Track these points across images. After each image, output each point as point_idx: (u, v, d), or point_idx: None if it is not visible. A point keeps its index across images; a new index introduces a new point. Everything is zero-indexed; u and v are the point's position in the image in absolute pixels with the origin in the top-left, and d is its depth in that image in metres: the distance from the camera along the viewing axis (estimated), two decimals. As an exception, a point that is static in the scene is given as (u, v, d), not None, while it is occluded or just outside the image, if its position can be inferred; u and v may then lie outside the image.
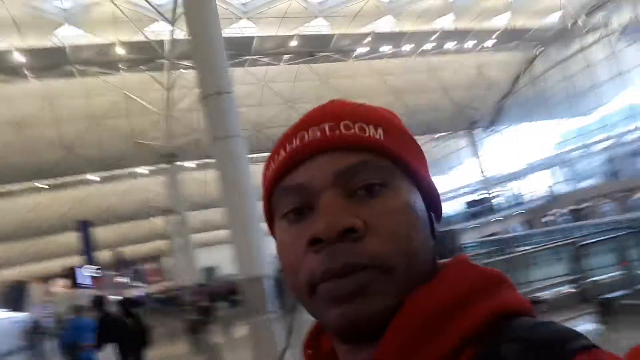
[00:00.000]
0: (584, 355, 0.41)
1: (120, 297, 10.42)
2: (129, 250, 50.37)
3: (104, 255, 43.40)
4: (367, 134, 0.50)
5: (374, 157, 0.49)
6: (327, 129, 0.50)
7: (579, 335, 0.43)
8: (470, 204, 39.14)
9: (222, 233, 24.22)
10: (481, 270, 0.49)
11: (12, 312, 24.07)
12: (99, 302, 6.53)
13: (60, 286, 50.32)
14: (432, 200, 0.54)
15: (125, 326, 6.41)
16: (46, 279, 52.90)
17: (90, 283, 40.56)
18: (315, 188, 0.48)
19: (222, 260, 46.37)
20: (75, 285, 37.20)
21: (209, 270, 52.07)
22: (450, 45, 32.16)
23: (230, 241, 16.13)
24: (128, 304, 7.28)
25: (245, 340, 13.21)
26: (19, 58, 23.57)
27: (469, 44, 32.37)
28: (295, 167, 0.50)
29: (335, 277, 0.45)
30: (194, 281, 34.61)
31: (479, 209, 37.04)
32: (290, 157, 0.50)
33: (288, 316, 14.02)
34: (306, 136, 0.50)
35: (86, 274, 38.16)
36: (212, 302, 12.99)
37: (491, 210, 36.51)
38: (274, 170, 0.51)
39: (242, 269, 15.78)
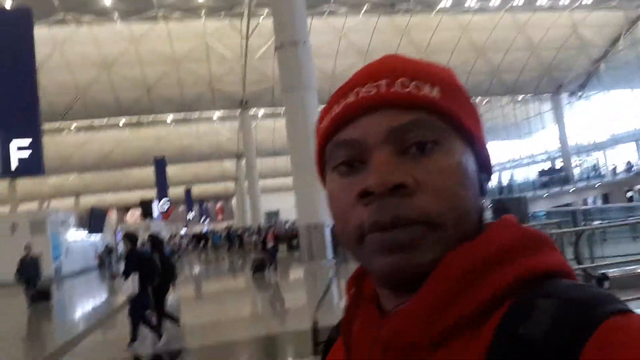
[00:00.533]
0: (618, 317, 0.41)
1: (159, 234, 11.27)
2: (199, 189, 52.90)
3: (176, 191, 45.84)
4: (422, 92, 0.50)
5: (428, 115, 0.49)
6: (383, 85, 0.50)
7: (616, 299, 0.43)
8: (544, 172, 37.45)
9: (287, 180, 24.77)
10: (524, 230, 0.50)
11: (90, 235, 26.17)
12: (131, 238, 7.18)
13: (134, 216, 54.11)
14: (484, 160, 0.54)
15: (150, 261, 7.08)
16: (123, 208, 56.99)
17: (161, 216, 43.21)
18: (369, 144, 0.49)
19: (285, 207, 47.79)
20: (147, 216, 39.79)
21: (272, 215, 53.94)
22: (542, 1, 29.94)
23: (294, 188, 16.53)
24: (156, 241, 7.83)
25: (301, 282, 13.72)
26: (108, 1, 24.65)
27: (564, 0, 30.00)
28: (349, 122, 0.51)
29: (384, 229, 0.47)
30: (258, 223, 35.90)
31: (553, 178, 35.41)
32: (344, 112, 0.51)
33: (341, 264, 14.38)
34: (361, 92, 0.51)
35: (158, 207, 40.60)
36: (276, 244, 13.51)
37: (567, 180, 34.79)
38: (328, 123, 0.52)
39: (303, 216, 16.22)
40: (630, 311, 0.42)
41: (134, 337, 6.61)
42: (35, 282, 12.53)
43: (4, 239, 21.30)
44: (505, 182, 39.44)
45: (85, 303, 14.38)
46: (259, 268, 14.03)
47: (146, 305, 6.80)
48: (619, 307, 0.42)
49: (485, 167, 0.55)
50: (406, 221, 0.46)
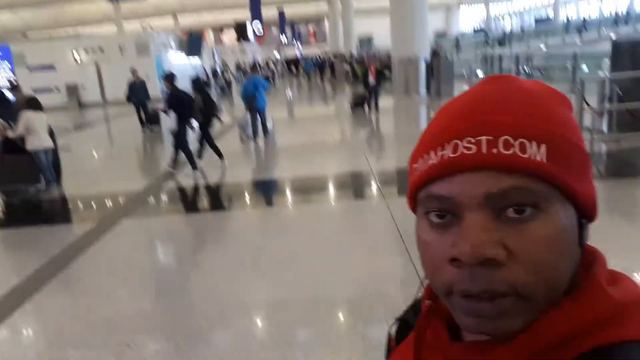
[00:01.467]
0: None
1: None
2: (292, 10, 51.38)
3: (269, 13, 44.91)
4: (527, 154, 0.46)
5: (532, 181, 0.46)
6: (484, 143, 0.47)
7: None
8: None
9: (383, 3, 23.16)
10: (616, 298, 0.48)
11: (190, 58, 27.20)
12: (169, 79, 7.99)
13: (229, 38, 54.65)
14: (588, 207, 0.51)
15: (188, 101, 7.89)
16: (218, 29, 57.52)
17: (256, 39, 43.16)
18: (464, 203, 0.48)
19: (379, 32, 45.62)
20: (242, 39, 40.02)
21: (365, 41, 51.98)
22: None
23: (390, 14, 15.58)
24: (197, 84, 8.47)
25: (392, 114, 13.77)
26: None
27: None
28: (445, 176, 0.49)
29: (474, 299, 0.47)
30: (350, 49, 34.84)
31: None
32: (441, 167, 0.49)
33: (435, 100, 14.03)
34: (460, 147, 0.48)
35: (253, 30, 40.32)
36: (378, 80, 13.17)
37: None
38: (423, 173, 0.51)
39: (399, 47, 15.53)
40: None
41: (173, 164, 8.07)
42: (145, 105, 13.49)
43: (115, 60, 22.87)
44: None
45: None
46: (358, 103, 13.96)
47: (184, 139, 7.89)
48: None
49: (587, 214, 0.51)
50: (495, 294, 0.46)
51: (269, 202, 6.53)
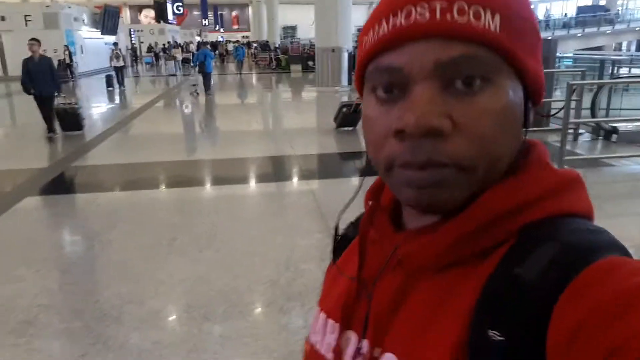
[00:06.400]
0: (610, 259, 0.41)
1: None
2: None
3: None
4: (481, 23, 0.45)
5: (483, 51, 0.45)
6: (437, 10, 0.45)
7: (619, 247, 0.43)
8: (582, 9, 34.68)
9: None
10: (559, 176, 0.50)
11: (104, 35, 25.64)
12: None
13: (148, 17, 52.17)
14: (535, 88, 0.50)
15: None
16: (136, 7, 54.67)
17: (175, 20, 41.57)
18: (412, 74, 0.46)
19: (304, 23, 45.63)
20: (161, 19, 38.39)
21: (289, 29, 51.78)
22: None
23: (315, 5, 15.63)
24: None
25: (311, 104, 13.87)
26: None
27: None
28: (395, 46, 0.47)
29: (414, 168, 0.47)
30: (274, 37, 34.55)
31: (594, 16, 32.95)
32: (392, 36, 0.47)
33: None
34: (413, 13, 0.46)
35: (172, 10, 38.83)
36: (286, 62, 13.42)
37: (609, 20, 32.45)
38: (373, 44, 0.49)
39: (322, 37, 15.61)
40: (627, 257, 0.42)
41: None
42: (51, 98, 9.05)
43: (19, 31, 21.01)
44: (540, 17, 36.90)
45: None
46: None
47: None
48: (615, 253, 0.42)
49: (535, 95, 0.51)
50: (436, 164, 0.46)
51: (193, 181, 6.33)
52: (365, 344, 0.53)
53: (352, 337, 0.55)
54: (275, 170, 6.79)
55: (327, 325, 0.59)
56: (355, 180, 6.11)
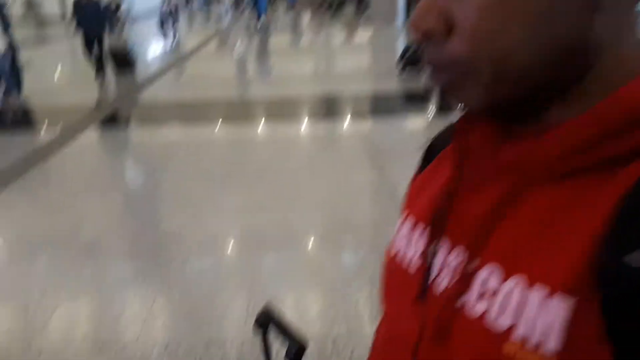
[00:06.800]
0: None
1: None
2: None
3: None
4: None
5: None
6: None
7: None
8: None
9: None
10: None
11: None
12: None
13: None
14: None
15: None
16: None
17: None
18: None
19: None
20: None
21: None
22: None
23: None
24: None
25: (365, 43, 13.53)
26: None
27: None
28: None
29: (430, 72, 0.46)
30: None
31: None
32: None
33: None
34: None
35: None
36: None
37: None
38: None
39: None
40: None
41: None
42: (100, 37, 8.64)
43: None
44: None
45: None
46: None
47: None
48: None
49: None
50: (439, 68, 0.44)
51: (249, 118, 6.42)
52: (459, 253, 0.47)
53: (445, 245, 0.49)
54: (329, 109, 6.76)
55: (414, 231, 0.54)
56: (411, 121, 6.01)
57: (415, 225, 0.54)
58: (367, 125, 5.85)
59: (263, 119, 6.40)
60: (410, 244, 0.54)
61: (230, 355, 2.16)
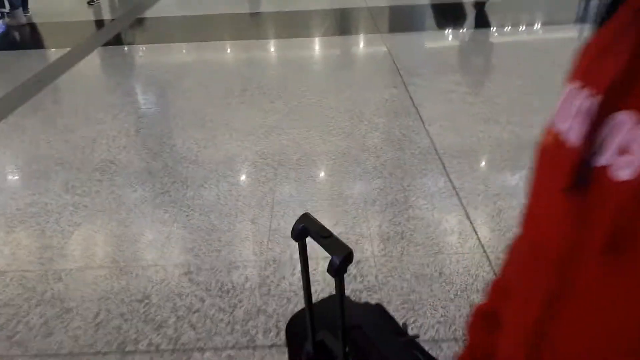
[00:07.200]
0: None
1: None
2: None
3: None
4: None
5: None
6: None
7: None
8: None
9: None
10: None
11: None
12: None
13: None
14: None
15: None
16: None
17: None
18: None
19: None
20: None
21: None
22: None
23: None
24: None
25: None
26: None
27: None
28: None
29: None
30: None
31: None
32: None
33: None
34: None
35: None
36: None
37: None
38: None
39: None
40: None
41: None
42: None
43: None
44: None
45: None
46: None
47: None
48: None
49: None
50: None
51: (261, 34, 6.08)
52: None
53: (626, 119, 0.36)
54: (347, 23, 6.37)
55: (583, 101, 0.41)
56: (437, 34, 5.64)
57: (586, 95, 0.41)
58: (391, 39, 5.49)
59: (279, 33, 6.06)
60: (577, 117, 0.41)
61: (252, 279, 2.09)
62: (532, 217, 0.45)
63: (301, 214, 0.78)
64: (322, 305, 0.98)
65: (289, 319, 1.01)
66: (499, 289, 0.55)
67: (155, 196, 2.71)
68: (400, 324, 0.99)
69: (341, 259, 0.69)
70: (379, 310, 1.03)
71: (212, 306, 1.96)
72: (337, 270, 0.71)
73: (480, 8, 6.40)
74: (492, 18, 6.18)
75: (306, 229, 0.76)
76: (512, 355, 0.46)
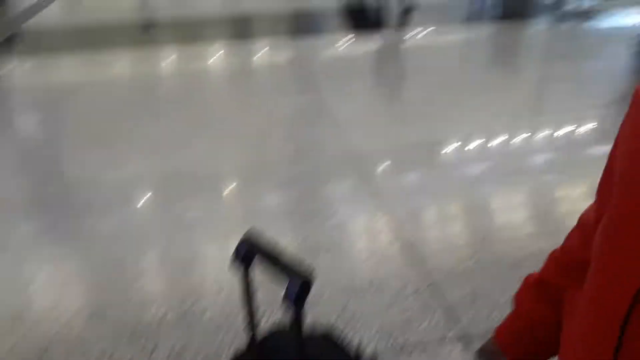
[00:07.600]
0: None
1: None
2: None
3: None
4: None
5: None
6: None
7: None
8: None
9: None
10: None
11: None
12: None
13: None
14: None
15: None
16: None
17: None
18: None
19: None
20: None
21: None
22: None
23: None
24: None
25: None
26: None
27: None
28: None
29: None
30: None
31: None
32: None
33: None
34: None
35: None
36: None
37: None
38: None
39: None
40: None
41: None
42: None
43: None
44: None
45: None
46: None
47: None
48: None
49: None
50: None
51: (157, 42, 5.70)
52: None
53: None
54: (248, 29, 6.22)
55: None
56: (349, 38, 5.65)
57: None
58: (296, 45, 5.42)
59: (173, 44, 5.73)
60: None
61: (168, 316, 1.86)
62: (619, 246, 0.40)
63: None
64: (270, 340, 0.84)
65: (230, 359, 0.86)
66: (557, 262, 0.56)
67: (46, 230, 2.37)
68: (354, 347, 0.89)
69: (298, 286, 0.57)
70: (330, 339, 0.91)
71: (126, 353, 1.70)
72: (296, 298, 0.57)
73: (406, 13, 6.36)
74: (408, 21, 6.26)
75: (253, 248, 0.63)
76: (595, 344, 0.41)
